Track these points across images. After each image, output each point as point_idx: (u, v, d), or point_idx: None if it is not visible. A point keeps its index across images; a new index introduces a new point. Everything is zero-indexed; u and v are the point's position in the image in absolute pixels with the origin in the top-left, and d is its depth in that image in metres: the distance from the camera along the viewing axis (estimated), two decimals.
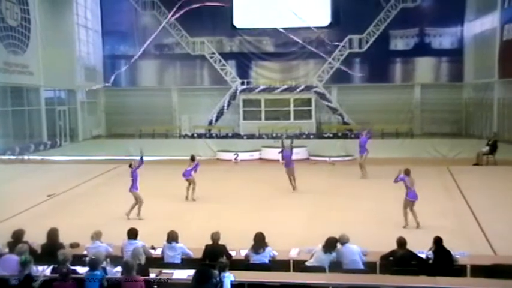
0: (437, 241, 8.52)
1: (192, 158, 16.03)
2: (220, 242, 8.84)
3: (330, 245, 8.53)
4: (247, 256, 8.76)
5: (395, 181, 12.80)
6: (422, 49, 33.96)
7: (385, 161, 21.48)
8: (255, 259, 8.60)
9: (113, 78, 34.85)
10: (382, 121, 31.46)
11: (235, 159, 24.42)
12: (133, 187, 13.59)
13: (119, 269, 7.69)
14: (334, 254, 8.51)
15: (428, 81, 34.02)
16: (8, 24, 25.92)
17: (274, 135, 29.51)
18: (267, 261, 8.62)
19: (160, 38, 35.84)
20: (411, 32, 34.14)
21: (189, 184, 15.72)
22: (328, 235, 8.65)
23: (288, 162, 16.91)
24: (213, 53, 34.88)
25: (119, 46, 36.61)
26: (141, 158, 14.00)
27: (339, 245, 8.59)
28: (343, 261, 8.47)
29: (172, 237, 8.84)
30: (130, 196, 13.75)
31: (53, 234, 8.97)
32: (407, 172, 12.64)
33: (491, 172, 20.28)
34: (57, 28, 30.49)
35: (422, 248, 8.78)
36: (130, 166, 13.86)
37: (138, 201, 13.54)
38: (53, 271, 7.72)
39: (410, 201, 12.37)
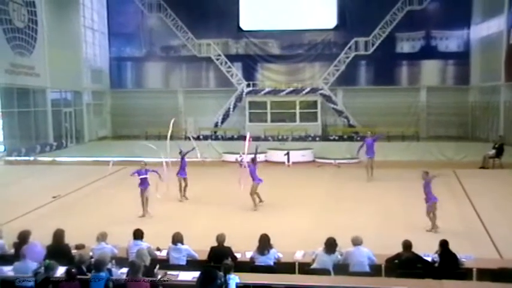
0: (443, 244, 8.48)
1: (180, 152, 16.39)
2: (226, 244, 8.84)
3: (330, 245, 8.51)
4: (252, 258, 8.75)
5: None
6: (429, 52, 33.89)
7: (391, 163, 21.45)
8: (260, 261, 8.58)
9: None
10: (388, 124, 31.42)
11: (241, 161, 24.33)
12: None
13: (124, 270, 7.71)
14: (336, 254, 8.51)
15: (435, 84, 33.93)
16: (15, 26, 26.04)
17: (280, 137, 29.54)
18: (272, 263, 8.60)
19: (167, 40, 35.98)
20: (417, 35, 34.10)
21: (182, 183, 16.09)
22: (334, 237, 8.64)
23: (255, 176, 15.24)
24: (219, 55, 34.94)
25: (125, 48, 36.79)
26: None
27: (350, 246, 8.59)
28: (350, 263, 8.45)
29: (177, 239, 8.84)
30: (136, 197, 13.96)
31: (58, 235, 8.96)
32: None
33: (498, 175, 20.19)
34: (63, 30, 30.63)
35: (428, 251, 8.75)
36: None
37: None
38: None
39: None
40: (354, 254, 8.48)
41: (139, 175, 14.05)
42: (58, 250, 8.60)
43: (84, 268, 7.60)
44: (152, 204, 14.17)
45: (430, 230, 12.07)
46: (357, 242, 8.61)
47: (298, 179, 19.89)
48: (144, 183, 14.01)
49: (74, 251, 8.86)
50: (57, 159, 25.52)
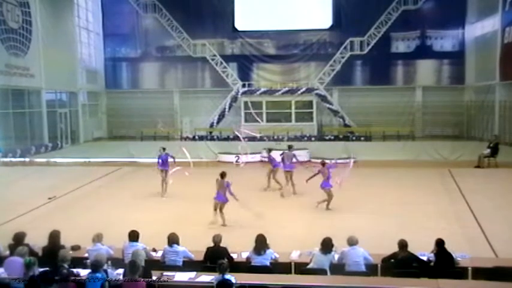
0: (439, 243, 8.49)
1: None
2: (222, 244, 8.82)
3: (327, 245, 8.51)
4: (248, 258, 8.74)
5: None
6: (424, 51, 33.98)
7: (386, 163, 21.48)
8: (256, 261, 8.57)
9: None
10: (384, 123, 31.60)
11: (237, 161, 24.31)
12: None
13: (120, 271, 7.69)
14: (332, 254, 8.52)
15: (430, 83, 34.02)
16: (9, 27, 25.94)
17: (275, 137, 29.53)
18: (268, 263, 8.60)
19: (162, 41, 35.95)
20: (412, 35, 34.17)
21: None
22: (330, 237, 8.64)
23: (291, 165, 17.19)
24: (215, 55, 34.92)
25: (120, 48, 36.73)
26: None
27: (346, 246, 8.60)
28: (346, 262, 8.46)
29: (172, 240, 8.81)
30: (131, 199, 13.98)
31: (54, 236, 8.94)
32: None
33: (493, 174, 20.26)
34: (58, 30, 30.52)
35: (423, 250, 8.77)
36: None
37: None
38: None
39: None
40: (349, 254, 8.49)
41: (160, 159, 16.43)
42: (54, 251, 8.57)
43: (66, 266, 7.57)
44: (149, 205, 14.14)
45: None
46: (352, 242, 8.61)
47: (294, 179, 19.85)
48: (164, 164, 16.34)
49: (69, 252, 8.84)
50: (53, 160, 25.44)
